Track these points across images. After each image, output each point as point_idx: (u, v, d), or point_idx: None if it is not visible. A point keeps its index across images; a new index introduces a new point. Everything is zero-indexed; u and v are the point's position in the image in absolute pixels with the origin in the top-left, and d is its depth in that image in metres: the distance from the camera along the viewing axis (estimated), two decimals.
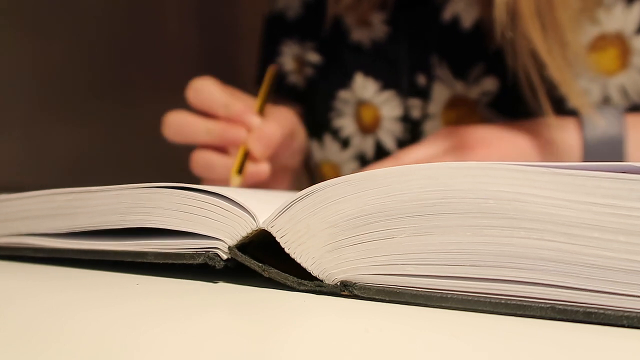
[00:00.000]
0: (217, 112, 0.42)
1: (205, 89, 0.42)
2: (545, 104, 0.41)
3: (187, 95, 0.43)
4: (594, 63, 0.44)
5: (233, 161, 0.42)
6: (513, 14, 0.39)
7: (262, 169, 0.42)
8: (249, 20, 0.80)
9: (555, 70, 0.40)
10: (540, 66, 0.41)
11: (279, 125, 0.43)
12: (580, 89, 0.42)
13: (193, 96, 0.42)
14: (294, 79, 0.59)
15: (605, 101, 0.44)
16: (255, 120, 0.42)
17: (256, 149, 0.41)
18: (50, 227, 0.27)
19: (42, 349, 0.16)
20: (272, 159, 0.44)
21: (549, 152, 0.42)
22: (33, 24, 0.67)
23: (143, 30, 0.79)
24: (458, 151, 0.42)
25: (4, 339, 0.17)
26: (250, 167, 0.41)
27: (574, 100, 0.41)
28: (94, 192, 0.27)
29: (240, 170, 0.40)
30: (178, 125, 0.42)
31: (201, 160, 0.43)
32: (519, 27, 0.40)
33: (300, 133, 0.51)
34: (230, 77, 0.44)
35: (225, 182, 0.42)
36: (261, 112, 0.44)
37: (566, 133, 0.42)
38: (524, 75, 0.42)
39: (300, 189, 0.24)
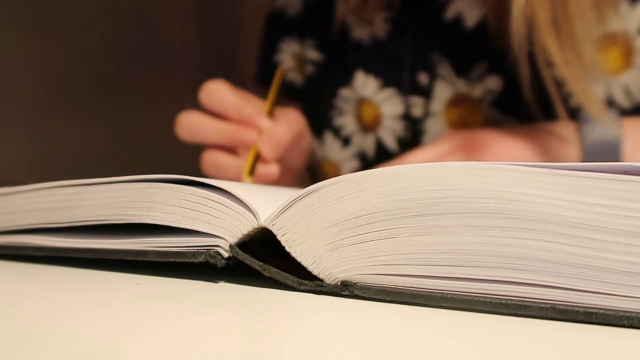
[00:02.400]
0: (229, 114, 0.43)
1: (218, 92, 0.43)
2: (562, 112, 0.42)
3: (200, 97, 0.44)
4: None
5: (243, 162, 0.43)
6: (530, 25, 0.39)
7: (272, 170, 0.43)
8: (250, 20, 0.80)
9: (572, 80, 0.40)
10: (554, 72, 0.41)
11: (288, 127, 0.44)
12: (596, 97, 0.42)
13: (206, 98, 0.43)
14: (293, 76, 0.59)
15: (609, 101, 0.44)
16: (265, 122, 0.43)
17: (266, 150, 0.42)
18: (51, 221, 0.27)
19: (41, 349, 0.16)
20: (280, 160, 0.45)
21: (548, 154, 0.42)
22: (36, 22, 0.67)
23: (145, 30, 0.79)
24: (461, 153, 0.43)
25: (4, 339, 0.17)
26: (260, 169, 0.42)
27: (591, 108, 0.41)
28: (94, 185, 0.26)
29: (252, 171, 0.41)
30: (191, 125, 0.43)
31: (212, 160, 0.44)
32: (535, 37, 0.40)
33: (307, 135, 0.52)
34: (231, 77, 0.44)
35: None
36: (270, 113, 0.45)
37: (565, 136, 0.43)
38: (531, 82, 0.42)
39: (303, 187, 0.24)
